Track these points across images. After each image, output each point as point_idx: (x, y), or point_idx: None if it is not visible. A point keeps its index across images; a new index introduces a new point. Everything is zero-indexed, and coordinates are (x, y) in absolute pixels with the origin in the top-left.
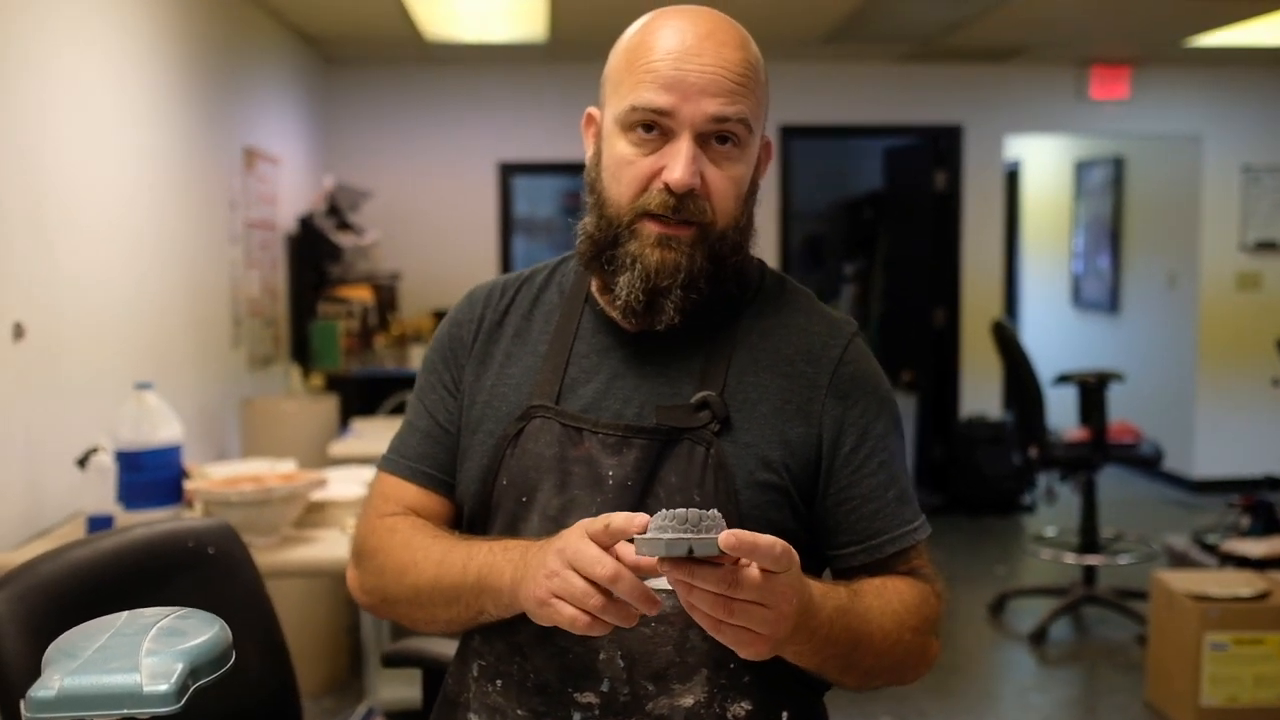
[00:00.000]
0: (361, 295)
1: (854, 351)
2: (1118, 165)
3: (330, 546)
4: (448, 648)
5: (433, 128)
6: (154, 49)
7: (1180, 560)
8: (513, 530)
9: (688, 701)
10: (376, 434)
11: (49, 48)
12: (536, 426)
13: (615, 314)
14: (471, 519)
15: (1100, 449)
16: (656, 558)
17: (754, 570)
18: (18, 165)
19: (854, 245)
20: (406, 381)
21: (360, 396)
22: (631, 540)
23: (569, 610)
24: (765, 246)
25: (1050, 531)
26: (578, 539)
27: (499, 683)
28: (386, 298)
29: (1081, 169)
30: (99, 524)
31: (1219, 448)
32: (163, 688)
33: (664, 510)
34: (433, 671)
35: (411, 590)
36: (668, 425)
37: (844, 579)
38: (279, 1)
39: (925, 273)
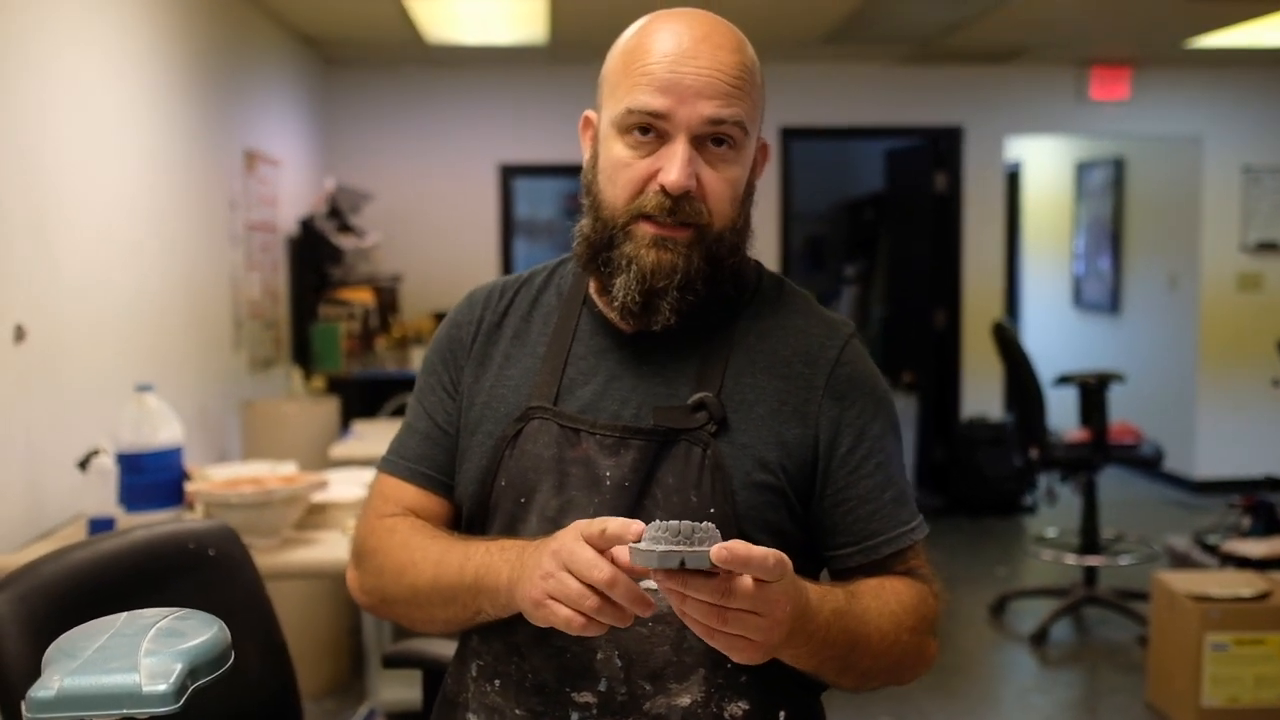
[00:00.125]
0: (362, 297)
1: (851, 353)
2: (1118, 166)
3: (331, 548)
4: (447, 649)
5: (433, 130)
6: (154, 51)
7: (1181, 561)
8: (511, 531)
9: (685, 701)
10: (377, 436)
11: (49, 51)
12: (535, 428)
13: (613, 315)
14: (470, 520)
15: (1101, 450)
16: (649, 569)
17: (747, 580)
18: (18, 168)
19: (855, 246)
20: (407, 383)
21: (361, 398)
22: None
23: (564, 611)
24: (766, 248)
25: (1051, 532)
26: (573, 541)
27: (497, 682)
28: (387, 300)
29: (1082, 170)
30: (100, 526)
31: (1220, 448)
32: (161, 688)
33: (657, 521)
34: (433, 672)
35: (410, 590)
36: (665, 426)
37: (841, 579)
38: (280, 4)
39: (926, 274)
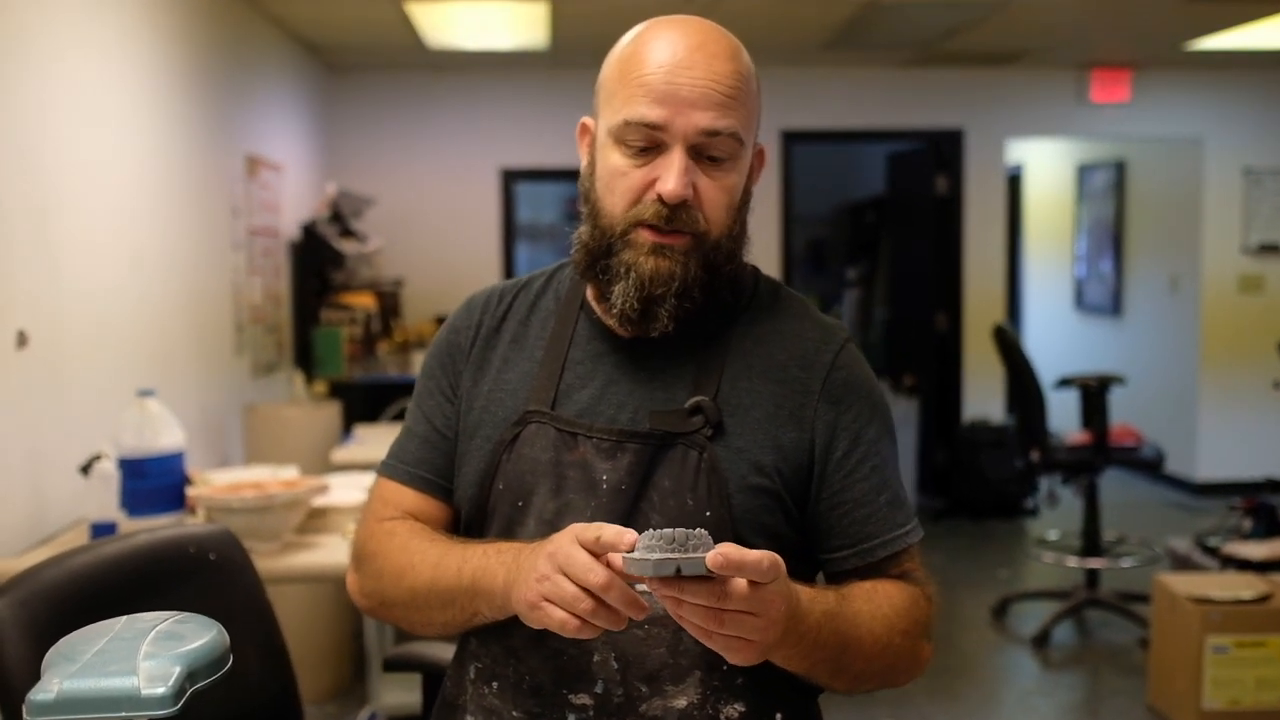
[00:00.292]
0: (364, 302)
1: (846, 357)
2: (1119, 169)
3: (332, 552)
4: (447, 652)
5: (435, 134)
6: (156, 56)
7: (1182, 563)
8: (509, 534)
9: (681, 703)
10: (379, 440)
11: (50, 56)
12: (532, 431)
13: (610, 321)
14: (469, 523)
15: (1102, 452)
16: (645, 577)
17: (741, 582)
18: (20, 173)
19: (856, 250)
20: (409, 388)
21: (363, 403)
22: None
23: (559, 614)
24: (768, 251)
25: (1052, 535)
26: (569, 545)
27: (495, 685)
28: (389, 304)
29: (1083, 172)
30: (102, 530)
31: (1221, 450)
32: (160, 690)
33: (650, 530)
34: (433, 675)
35: (408, 593)
36: (661, 430)
37: (836, 582)
38: (282, 9)
39: (928, 277)
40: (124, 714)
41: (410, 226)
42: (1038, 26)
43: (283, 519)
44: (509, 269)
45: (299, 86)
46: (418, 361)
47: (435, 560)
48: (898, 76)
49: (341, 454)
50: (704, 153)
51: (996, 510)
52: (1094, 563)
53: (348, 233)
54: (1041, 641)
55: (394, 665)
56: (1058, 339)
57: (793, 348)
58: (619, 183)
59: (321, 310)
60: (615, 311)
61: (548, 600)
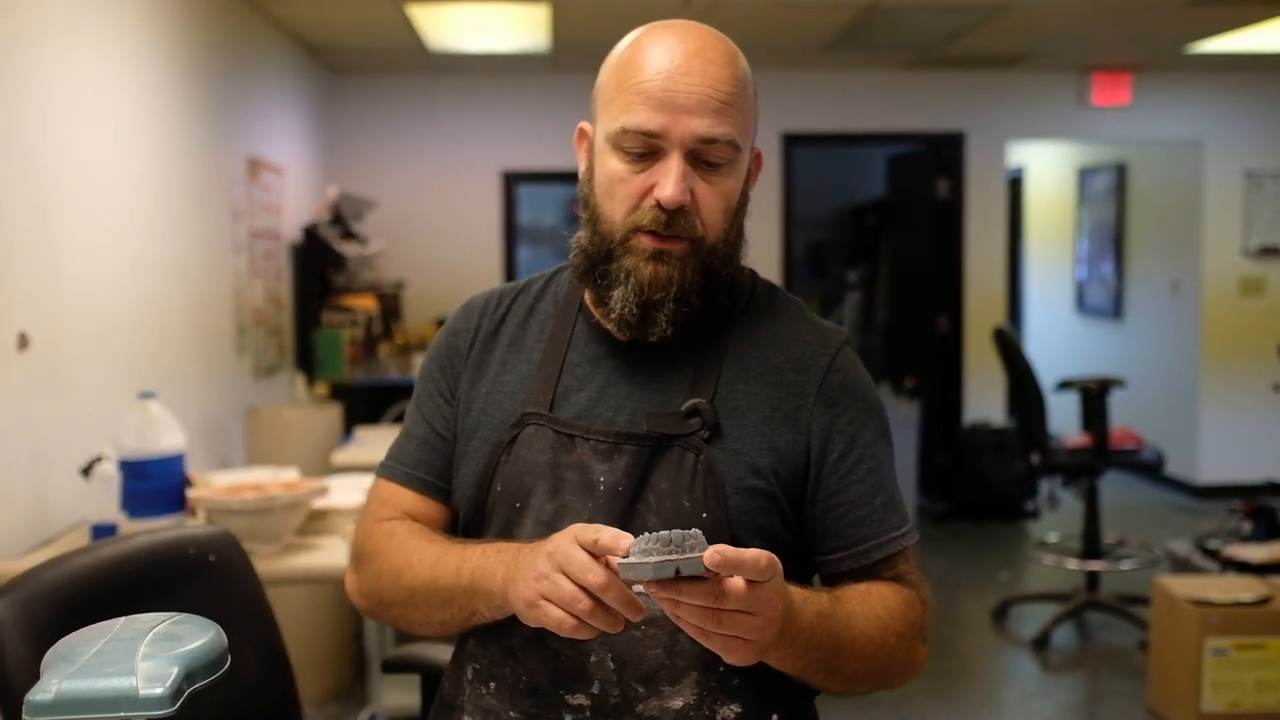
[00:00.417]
0: (366, 304)
1: (843, 360)
2: (1120, 171)
3: (332, 554)
4: (446, 653)
5: (436, 137)
6: (157, 58)
7: (1182, 565)
8: (507, 535)
9: (677, 704)
10: (379, 442)
11: (51, 57)
12: (530, 433)
13: (609, 325)
14: (467, 524)
15: (1102, 455)
16: (643, 580)
17: (738, 581)
18: (21, 175)
19: (857, 252)
20: (410, 390)
21: (364, 405)
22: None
23: (556, 613)
24: (769, 254)
25: (1053, 537)
26: (569, 544)
27: (493, 685)
28: (390, 306)
29: (1084, 175)
30: (102, 532)
31: (1222, 453)
32: (158, 691)
33: (645, 534)
34: (431, 677)
35: (407, 592)
36: (658, 432)
37: (832, 584)
38: (283, 12)
39: (928, 280)
40: (122, 714)
41: (411, 229)
42: (1039, 29)
43: (283, 521)
44: (510, 271)
45: (300, 89)
46: (418, 363)
47: (433, 560)
48: (899, 79)
49: (342, 456)
50: (701, 158)
51: (997, 513)
52: (1094, 565)
53: (349, 235)
54: (1042, 644)
55: (393, 667)
56: (1059, 341)
57: (789, 351)
58: (618, 188)
59: (323, 312)
60: (614, 316)
61: (545, 599)
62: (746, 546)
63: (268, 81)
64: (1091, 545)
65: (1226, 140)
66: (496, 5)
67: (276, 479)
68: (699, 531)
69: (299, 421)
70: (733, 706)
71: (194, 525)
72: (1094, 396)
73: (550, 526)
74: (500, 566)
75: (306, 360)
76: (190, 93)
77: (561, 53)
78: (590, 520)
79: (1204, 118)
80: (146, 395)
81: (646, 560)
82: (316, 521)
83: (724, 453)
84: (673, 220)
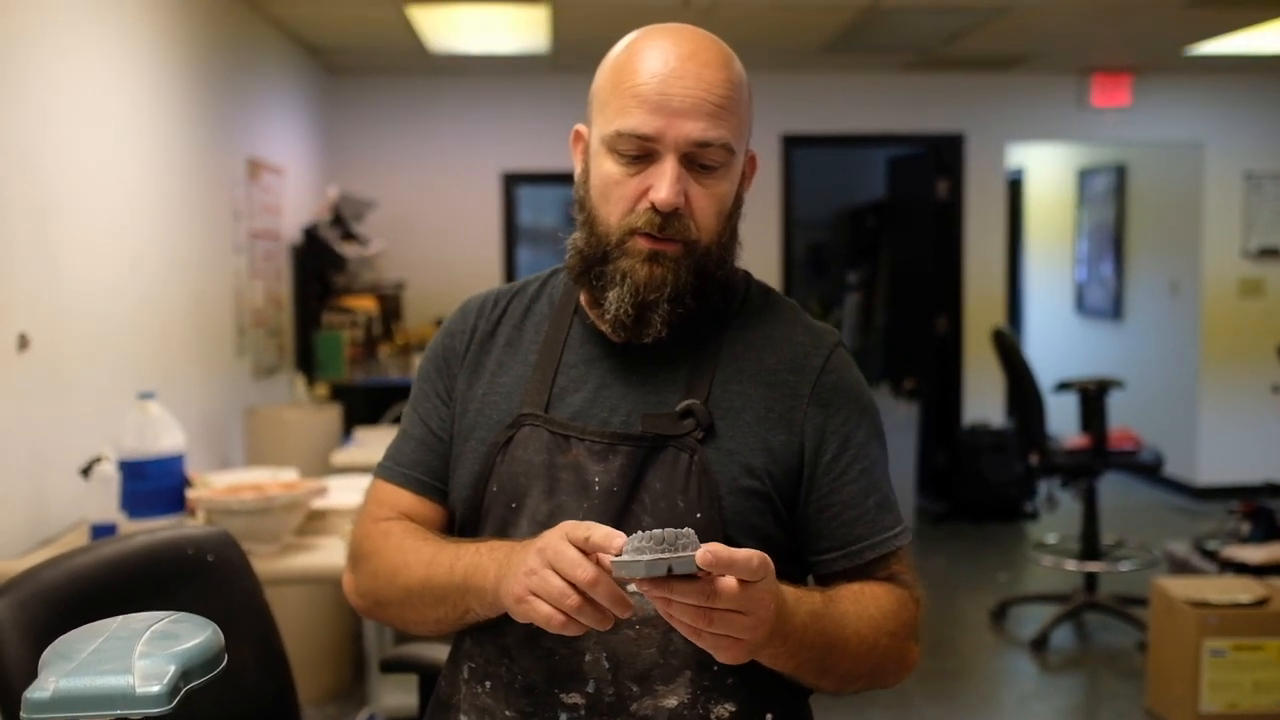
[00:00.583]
0: (366, 305)
1: (836, 361)
2: (1120, 173)
3: (331, 554)
4: (443, 653)
5: (436, 138)
6: (158, 59)
7: (1181, 567)
8: (503, 535)
9: (671, 703)
10: (379, 443)
11: (52, 58)
12: (526, 434)
13: (604, 326)
14: (463, 524)
15: (1100, 456)
16: (635, 579)
17: (731, 581)
18: (21, 176)
19: (857, 254)
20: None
21: (364, 405)
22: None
23: (545, 608)
24: (768, 255)
25: (1052, 538)
26: (559, 540)
27: (488, 684)
28: (391, 307)
29: (1084, 176)
30: (102, 532)
31: (1222, 454)
32: (155, 689)
33: (638, 533)
34: (429, 676)
35: (402, 591)
36: (653, 433)
37: (825, 584)
38: (283, 13)
39: (928, 281)
40: (119, 712)
41: (411, 230)
42: (1038, 31)
43: (282, 521)
44: (510, 272)
45: (300, 90)
46: (418, 364)
47: (428, 558)
48: (898, 81)
49: (342, 456)
50: (696, 161)
51: (996, 513)
52: (1093, 566)
53: (349, 236)
54: (1040, 644)
55: (390, 666)
56: (1059, 342)
57: (783, 352)
58: (613, 191)
59: (323, 313)
60: (609, 317)
61: (534, 594)
62: (740, 546)
63: (268, 82)
64: (1090, 546)
65: (1226, 142)
66: (496, 6)
67: (276, 479)
68: (691, 531)
69: (299, 422)
70: (727, 705)
71: (193, 525)
72: (1092, 397)
73: (546, 527)
74: (493, 564)
75: (306, 361)
76: (190, 93)
77: (561, 54)
78: (585, 521)
79: (1203, 119)
80: (146, 395)
81: (639, 558)
82: (315, 522)
83: (718, 453)
84: (667, 223)
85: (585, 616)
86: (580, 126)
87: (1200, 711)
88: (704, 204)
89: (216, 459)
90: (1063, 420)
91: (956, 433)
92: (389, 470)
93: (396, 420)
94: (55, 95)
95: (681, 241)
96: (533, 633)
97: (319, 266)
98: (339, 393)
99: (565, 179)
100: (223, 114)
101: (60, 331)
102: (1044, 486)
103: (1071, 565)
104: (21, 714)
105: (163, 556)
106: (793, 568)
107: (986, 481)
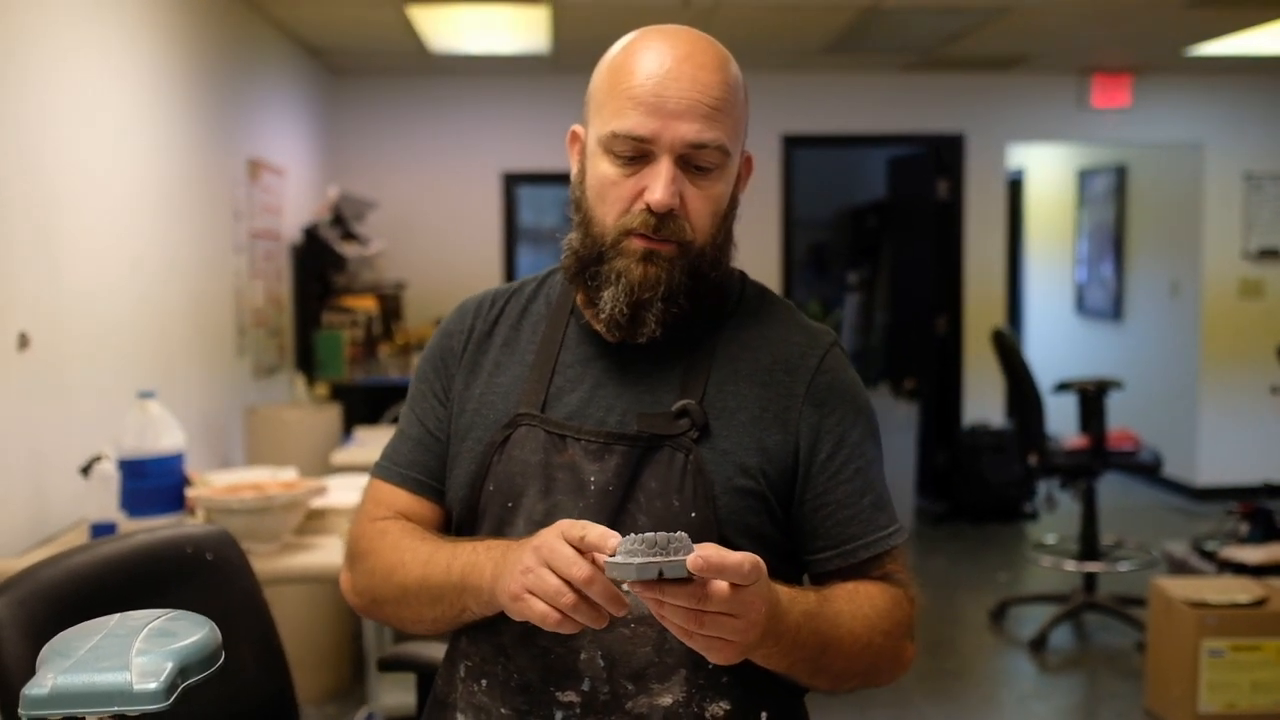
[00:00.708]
0: (366, 305)
1: (831, 361)
2: (1120, 173)
3: (330, 553)
4: (441, 652)
5: (437, 138)
6: (158, 59)
7: (1179, 567)
8: (499, 535)
9: (666, 701)
10: (379, 442)
11: (53, 58)
12: (522, 434)
13: (599, 326)
14: (460, 524)
15: (1100, 456)
16: (627, 580)
17: (722, 584)
18: (22, 175)
19: (858, 254)
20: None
21: (364, 405)
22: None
23: (540, 606)
24: (768, 255)
25: (1051, 539)
26: (555, 539)
27: (484, 682)
28: (391, 307)
29: (1084, 177)
30: (102, 531)
31: (1221, 455)
32: (152, 686)
33: (631, 535)
34: (427, 675)
35: (399, 589)
36: (648, 432)
37: (820, 583)
38: (284, 13)
39: (928, 281)
40: (116, 708)
41: (412, 230)
42: (1038, 31)
43: (281, 520)
44: (510, 272)
45: (301, 90)
46: (416, 364)
47: (425, 557)
48: (899, 81)
49: (342, 456)
50: (691, 163)
51: (996, 514)
52: (1092, 566)
53: (349, 236)
54: (1039, 645)
55: (388, 665)
56: (1059, 343)
57: (778, 352)
58: (609, 192)
59: (323, 313)
60: (604, 317)
61: (530, 592)
62: (735, 545)
63: (268, 83)
64: (1089, 546)
65: (1226, 142)
66: (496, 6)
67: (275, 479)
68: (685, 534)
69: (299, 422)
70: (722, 704)
71: (192, 524)
72: (1092, 398)
73: (542, 526)
74: (489, 563)
75: (306, 361)
76: (191, 94)
77: (561, 54)
78: (581, 520)
79: (1203, 120)
80: (146, 395)
81: (631, 561)
82: (315, 521)
83: (713, 453)
84: (662, 224)
85: (580, 614)
86: (577, 127)
87: (1199, 711)
88: (699, 205)
89: (216, 458)
90: (1062, 421)
91: (956, 433)
92: (386, 470)
93: (396, 420)
94: (55, 95)
95: (676, 242)
96: (528, 631)
97: (319, 266)
98: (339, 392)
99: (565, 179)
100: (223, 114)
101: (60, 331)
102: (1043, 487)
103: (1071, 565)
104: (20, 710)
105: (162, 555)
106: (788, 567)
107: (986, 482)
